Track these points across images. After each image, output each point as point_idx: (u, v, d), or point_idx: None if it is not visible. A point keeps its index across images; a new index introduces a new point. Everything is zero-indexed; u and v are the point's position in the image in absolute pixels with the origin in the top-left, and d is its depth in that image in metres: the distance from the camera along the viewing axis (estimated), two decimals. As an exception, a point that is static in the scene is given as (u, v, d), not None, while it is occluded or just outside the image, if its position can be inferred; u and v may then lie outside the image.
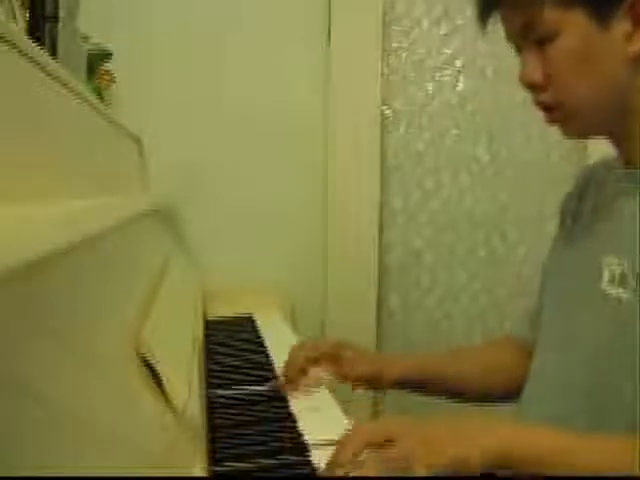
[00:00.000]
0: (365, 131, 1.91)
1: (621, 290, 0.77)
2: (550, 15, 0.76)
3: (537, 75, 0.79)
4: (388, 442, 0.67)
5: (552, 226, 1.99)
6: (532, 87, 0.81)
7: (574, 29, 0.76)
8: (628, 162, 0.83)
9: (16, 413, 0.34)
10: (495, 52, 1.99)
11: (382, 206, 1.97)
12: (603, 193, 0.88)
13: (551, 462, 0.66)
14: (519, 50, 0.82)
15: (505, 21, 0.82)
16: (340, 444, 0.70)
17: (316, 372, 1.04)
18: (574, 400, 0.81)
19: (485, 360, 1.06)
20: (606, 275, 0.79)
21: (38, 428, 0.36)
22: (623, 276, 0.77)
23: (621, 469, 0.65)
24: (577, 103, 0.79)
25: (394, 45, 1.98)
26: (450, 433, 0.68)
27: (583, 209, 0.91)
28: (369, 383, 1.03)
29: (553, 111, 0.81)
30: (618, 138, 0.83)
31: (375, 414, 1.96)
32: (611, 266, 0.79)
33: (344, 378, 1.02)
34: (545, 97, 0.80)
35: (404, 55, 1.99)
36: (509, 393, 1.01)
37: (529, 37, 0.79)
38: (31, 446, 0.35)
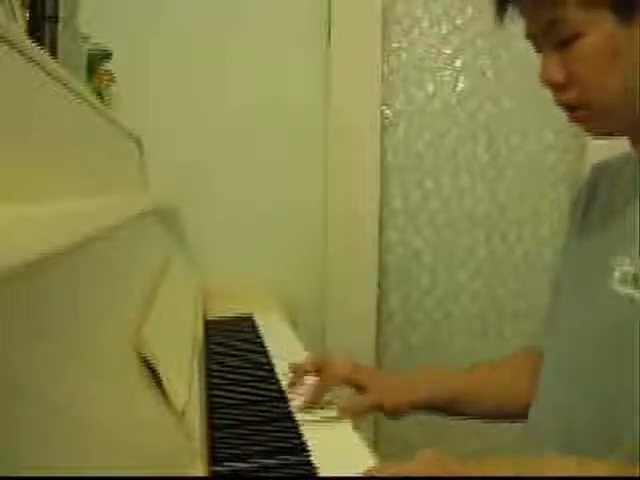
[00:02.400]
0: (365, 131, 1.91)
1: (633, 290, 0.76)
2: (574, 15, 0.75)
3: (559, 74, 0.79)
4: None
5: (550, 227, 2.00)
6: (554, 86, 0.80)
7: (599, 28, 0.75)
8: None
9: (16, 413, 0.34)
10: (495, 52, 1.99)
11: (382, 206, 1.97)
12: (614, 192, 0.87)
13: None
14: (539, 48, 0.81)
15: (526, 19, 0.80)
16: None
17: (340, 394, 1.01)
18: (582, 396, 0.81)
19: (491, 381, 1.03)
20: (617, 274, 0.79)
21: (38, 428, 0.36)
22: (636, 276, 0.76)
23: None
24: (602, 102, 0.78)
25: (394, 45, 1.98)
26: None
27: (595, 206, 0.91)
28: (387, 413, 1.01)
29: (577, 110, 0.81)
30: (637, 136, 0.82)
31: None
32: (623, 266, 0.78)
33: (363, 411, 0.99)
34: (568, 96, 0.80)
35: (404, 55, 1.99)
36: (520, 414, 0.97)
37: (552, 36, 0.78)
38: (31, 446, 0.35)
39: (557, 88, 0.80)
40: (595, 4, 0.75)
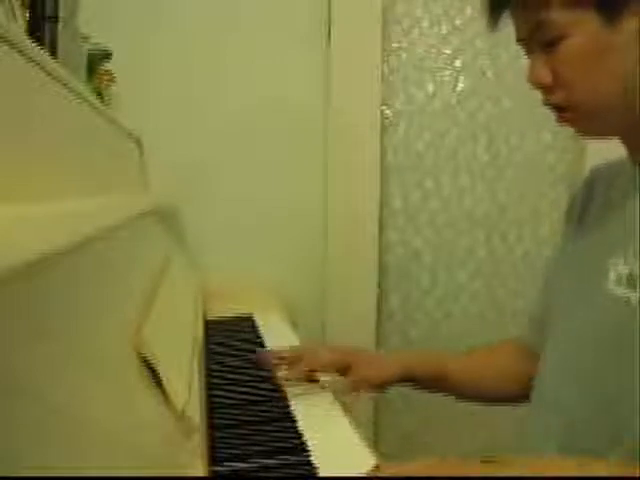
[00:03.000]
0: (365, 131, 1.91)
1: (629, 291, 0.76)
2: (559, 16, 0.76)
3: (546, 76, 0.79)
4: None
5: (550, 226, 2.01)
6: (542, 88, 0.81)
7: (583, 30, 0.76)
8: (638, 162, 0.82)
9: (16, 413, 0.34)
10: (495, 52, 1.99)
11: (382, 206, 1.97)
12: (611, 193, 0.88)
13: None
14: (529, 51, 0.82)
15: (515, 22, 0.81)
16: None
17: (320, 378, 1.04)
18: (582, 398, 0.81)
19: (489, 363, 1.07)
20: (612, 275, 0.79)
21: (38, 428, 0.36)
22: (631, 277, 0.76)
23: None
24: (589, 103, 0.79)
25: (394, 45, 1.98)
26: None
27: (590, 209, 0.91)
28: (374, 386, 1.04)
29: (564, 111, 0.81)
30: (630, 137, 0.83)
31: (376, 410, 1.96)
32: (618, 266, 0.79)
33: (352, 387, 1.03)
34: (556, 98, 0.80)
35: (404, 55, 1.99)
36: (515, 397, 1.02)
37: (538, 38, 0.79)
38: (31, 446, 0.35)
39: (545, 90, 0.81)
40: (579, 5, 0.75)
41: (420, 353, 1.11)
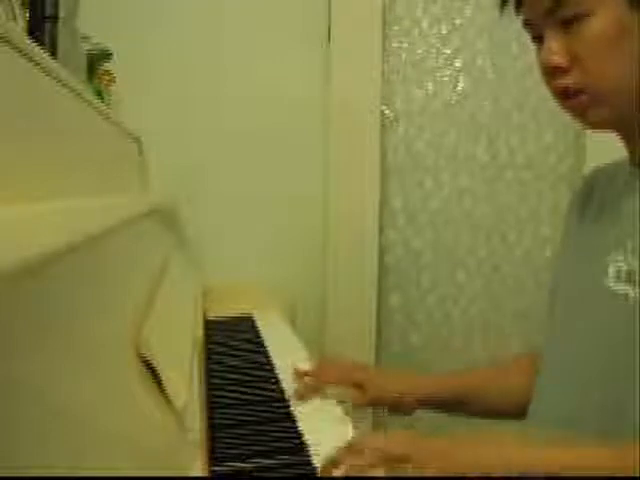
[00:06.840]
0: (365, 131, 1.91)
1: (628, 287, 0.76)
2: None
3: (563, 56, 0.76)
4: (402, 459, 0.66)
5: (550, 226, 2.01)
6: (556, 70, 0.77)
7: (608, 9, 0.74)
8: (637, 160, 0.82)
9: (16, 413, 0.34)
10: (495, 52, 1.99)
11: (382, 206, 1.97)
12: (610, 193, 0.87)
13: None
14: (537, 34, 0.79)
15: (528, 2, 0.78)
16: (350, 451, 0.68)
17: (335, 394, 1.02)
18: (582, 396, 0.81)
19: (511, 383, 1.03)
20: (611, 272, 0.79)
21: (38, 428, 0.36)
22: (630, 272, 0.76)
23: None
24: (606, 87, 0.76)
25: (394, 45, 1.98)
26: (465, 456, 0.68)
27: (590, 208, 0.91)
28: (391, 408, 1.02)
29: (577, 96, 0.78)
30: (631, 135, 0.81)
31: (376, 419, 1.96)
32: (617, 263, 0.78)
33: (365, 404, 1.00)
34: (570, 80, 0.77)
35: (404, 55, 1.99)
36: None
37: (557, 16, 0.76)
38: (31, 446, 0.35)
39: (559, 71, 0.77)
40: None
41: (435, 379, 1.06)
